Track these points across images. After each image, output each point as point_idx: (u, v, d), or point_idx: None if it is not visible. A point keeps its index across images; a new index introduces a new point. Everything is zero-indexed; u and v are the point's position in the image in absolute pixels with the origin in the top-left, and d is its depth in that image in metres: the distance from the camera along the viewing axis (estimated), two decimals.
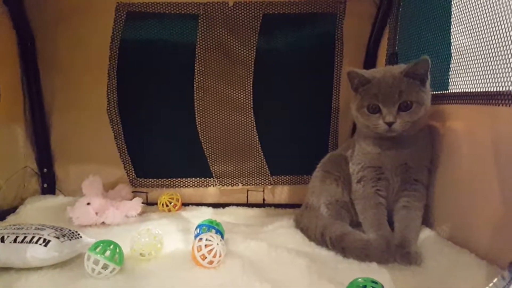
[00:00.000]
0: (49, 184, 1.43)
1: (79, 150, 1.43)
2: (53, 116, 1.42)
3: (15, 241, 0.85)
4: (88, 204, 1.20)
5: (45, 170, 1.42)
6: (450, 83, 1.03)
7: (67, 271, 0.86)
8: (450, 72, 1.02)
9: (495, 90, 0.84)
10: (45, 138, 1.42)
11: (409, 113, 0.93)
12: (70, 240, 0.90)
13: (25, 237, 0.86)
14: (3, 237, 0.86)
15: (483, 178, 0.83)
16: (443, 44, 1.04)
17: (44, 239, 0.85)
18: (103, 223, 1.20)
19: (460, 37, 0.99)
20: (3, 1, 1.25)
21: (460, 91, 0.99)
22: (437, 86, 1.06)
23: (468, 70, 0.96)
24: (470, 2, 0.92)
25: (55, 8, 1.34)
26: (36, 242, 0.85)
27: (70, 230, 0.93)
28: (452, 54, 1.01)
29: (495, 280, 0.58)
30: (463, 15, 0.96)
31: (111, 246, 0.84)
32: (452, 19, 1.01)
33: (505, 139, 0.78)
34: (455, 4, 1.00)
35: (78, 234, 0.93)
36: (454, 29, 1.01)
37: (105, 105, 1.40)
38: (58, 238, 0.87)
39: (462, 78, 0.97)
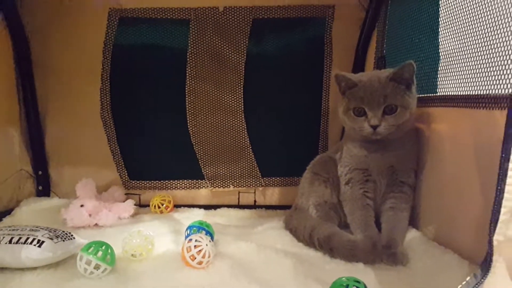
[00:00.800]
0: (44, 187, 1.45)
1: (73, 153, 1.45)
2: (48, 120, 1.44)
3: (10, 242, 0.87)
4: (82, 206, 1.21)
5: (40, 172, 1.44)
6: (438, 86, 1.03)
7: (60, 271, 0.88)
8: (438, 75, 1.03)
9: (476, 93, 0.85)
10: (40, 141, 1.43)
11: (394, 117, 0.95)
12: (63, 241, 0.91)
13: (19, 238, 0.87)
14: None
15: (466, 180, 0.85)
16: (431, 47, 1.05)
17: (38, 240, 0.87)
18: (96, 224, 1.21)
19: (448, 40, 0.98)
20: None
21: (444, 94, 1.00)
22: (425, 89, 1.07)
23: (453, 73, 0.97)
24: (458, 6, 0.92)
25: (48, 14, 1.36)
26: (31, 243, 0.86)
27: (63, 232, 0.94)
28: (441, 57, 1.02)
29: (468, 278, 0.61)
30: (451, 18, 0.96)
31: (103, 247, 0.85)
32: (440, 22, 1.01)
33: (485, 141, 0.80)
34: (443, 7, 1.00)
35: (72, 235, 0.94)
36: (442, 32, 1.01)
37: (98, 108, 1.41)
38: (52, 239, 0.89)
39: (449, 81, 0.98)
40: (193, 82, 1.41)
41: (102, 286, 0.82)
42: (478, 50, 0.87)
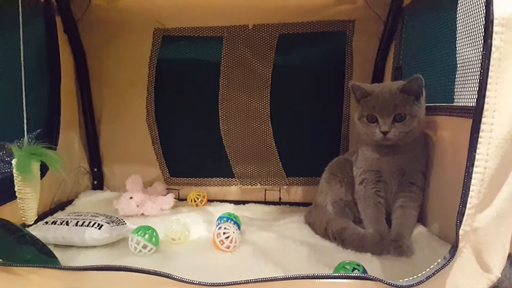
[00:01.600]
0: (98, 181, 1.56)
1: (123, 153, 1.54)
2: (102, 125, 1.55)
3: (76, 224, 1.00)
4: (131, 198, 1.30)
5: (95, 169, 1.55)
6: (455, 96, 1.02)
7: (115, 249, 0.99)
8: (455, 85, 1.02)
9: (471, 105, 0.88)
10: (95, 142, 1.55)
11: (403, 124, 0.99)
12: (117, 225, 1.03)
13: (83, 222, 1.00)
14: (67, 222, 1.01)
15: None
16: (446, 58, 1.05)
17: (98, 224, 0.99)
18: (142, 214, 1.29)
19: (465, 51, 0.96)
20: (63, 31, 1.39)
21: (445, 104, 1.04)
22: (441, 99, 1.08)
23: (461, 84, 0.98)
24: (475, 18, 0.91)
25: (103, 34, 1.47)
26: (92, 226, 0.99)
27: (117, 218, 1.07)
28: (458, 68, 1.01)
29: (439, 260, 0.71)
30: (468, 30, 0.95)
31: (149, 230, 0.96)
32: (457, 34, 1.01)
33: None
34: (460, 19, 0.99)
35: (124, 221, 1.06)
36: (459, 43, 1.00)
37: (145, 115, 1.51)
38: (109, 223, 1.01)
39: (465, 91, 0.97)
40: (225, 90, 1.47)
41: (148, 262, 0.92)
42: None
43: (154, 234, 0.97)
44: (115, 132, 1.55)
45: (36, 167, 0.93)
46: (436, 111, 1.07)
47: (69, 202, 1.43)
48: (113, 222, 1.03)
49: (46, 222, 1.04)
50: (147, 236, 0.96)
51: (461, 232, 0.70)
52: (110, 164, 1.57)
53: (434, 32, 1.13)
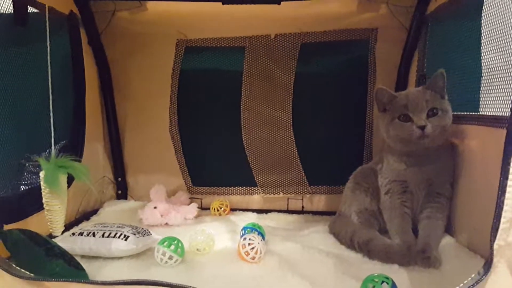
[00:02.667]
0: (122, 191, 1.58)
1: (146, 162, 1.56)
2: (126, 135, 1.57)
3: (103, 236, 1.00)
4: (155, 208, 1.31)
5: (119, 179, 1.57)
6: (480, 105, 1.02)
7: (141, 260, 0.99)
8: (480, 93, 1.02)
9: (500, 115, 0.87)
10: (120, 153, 1.57)
11: (437, 118, 0.98)
12: (143, 236, 1.03)
13: (110, 233, 1.01)
14: (94, 233, 1.02)
15: (493, 192, 0.83)
16: (471, 66, 1.05)
17: (125, 235, 1.00)
18: (166, 223, 1.30)
19: (491, 59, 0.96)
20: (87, 42, 1.42)
21: (475, 113, 1.02)
22: (466, 107, 1.07)
23: (487, 92, 0.97)
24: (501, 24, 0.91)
25: (126, 45, 1.49)
26: (119, 237, 0.99)
27: (143, 229, 1.07)
28: (483, 75, 1.01)
29: (473, 275, 0.70)
30: (494, 36, 0.94)
31: (175, 241, 0.96)
32: (482, 40, 1.01)
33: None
34: (485, 25, 0.99)
35: (149, 232, 1.06)
36: (484, 50, 1.00)
37: (168, 125, 1.52)
38: (134, 234, 1.01)
39: (488, 100, 0.97)
40: (247, 100, 1.48)
41: (174, 273, 0.92)
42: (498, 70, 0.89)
43: (180, 245, 0.98)
44: (139, 142, 1.56)
45: (63, 179, 0.94)
46: (463, 120, 1.05)
47: (94, 212, 1.44)
48: (138, 233, 1.04)
49: (73, 234, 1.05)
50: (172, 247, 0.96)
51: (495, 246, 0.68)
52: (134, 174, 1.59)
53: (459, 39, 1.12)
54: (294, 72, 1.45)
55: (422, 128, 0.98)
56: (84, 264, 0.92)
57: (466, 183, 1.02)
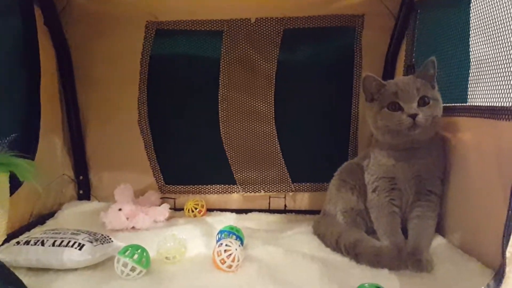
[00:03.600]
0: (84, 191, 1.49)
1: (112, 158, 1.48)
2: (88, 128, 1.48)
3: (53, 244, 0.91)
4: (120, 210, 1.23)
5: (81, 177, 1.48)
6: (469, 96, 1.02)
7: (99, 272, 0.91)
8: (468, 84, 1.02)
9: (500, 105, 0.85)
10: (81, 148, 1.47)
11: (429, 108, 0.96)
12: (102, 244, 0.94)
13: (62, 241, 0.91)
14: (43, 241, 0.91)
15: (490, 189, 0.85)
16: (461, 56, 1.04)
17: (79, 243, 0.91)
18: (133, 227, 1.22)
19: (479, 49, 0.97)
20: (44, 23, 1.31)
21: (470, 104, 1.00)
22: (454, 98, 1.06)
23: (480, 83, 0.96)
24: (490, 13, 0.91)
25: (89, 27, 1.40)
26: (72, 246, 0.90)
27: (102, 235, 0.98)
28: (471, 66, 1.01)
29: (483, 287, 0.63)
30: (482, 26, 0.95)
31: (139, 250, 0.88)
32: (470, 30, 1.00)
33: (506, 150, 0.80)
34: (474, 15, 0.99)
35: (110, 239, 0.98)
36: (473, 41, 1.00)
37: (136, 116, 1.44)
38: (91, 242, 0.92)
39: (479, 91, 0.97)
40: (225, 90, 1.42)
41: (137, 287, 0.85)
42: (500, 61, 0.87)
43: (144, 254, 0.89)
44: (103, 136, 1.48)
45: (4, 179, 0.80)
46: (455, 111, 1.03)
47: (51, 214, 1.34)
48: (96, 240, 0.94)
49: (18, 242, 0.94)
50: (136, 256, 0.87)
51: (507, 254, 0.63)
52: (98, 171, 1.50)
53: (449, 27, 1.10)
54: (276, 60, 1.41)
55: (413, 117, 0.94)
56: (31, 278, 0.85)
57: (459, 179, 1.00)
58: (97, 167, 1.50)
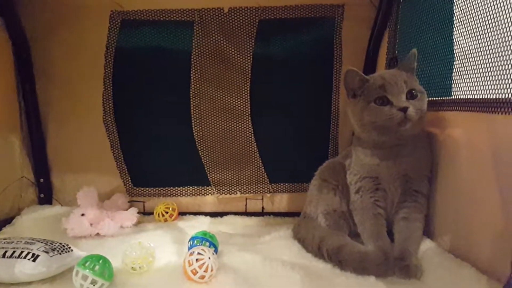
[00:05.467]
0: (45, 194, 1.43)
1: (76, 159, 1.44)
2: (49, 126, 1.42)
3: (3, 256, 0.85)
4: (83, 215, 1.19)
5: (41, 180, 1.43)
6: (453, 89, 1.00)
7: (56, 285, 0.86)
8: (453, 77, 1.00)
9: (493, 97, 0.82)
10: (42, 148, 1.42)
11: (418, 101, 0.93)
12: (60, 254, 0.89)
13: (14, 252, 0.86)
14: None
15: (484, 188, 0.81)
16: (445, 48, 1.03)
17: (33, 254, 0.85)
18: (98, 234, 1.19)
19: (463, 41, 0.95)
20: None
21: (459, 97, 0.97)
22: (439, 91, 1.04)
23: (469, 75, 0.94)
24: (473, 4, 0.90)
25: (49, 18, 1.35)
26: (25, 257, 0.85)
27: (60, 244, 0.93)
28: (455, 59, 0.99)
29: None
30: (466, 17, 0.94)
31: (100, 261, 0.83)
32: (454, 22, 0.99)
33: (503, 147, 0.77)
34: (457, 6, 0.98)
35: (69, 248, 0.92)
36: (456, 33, 0.98)
37: (101, 114, 1.40)
38: (47, 252, 0.87)
39: (465, 84, 0.95)
40: (197, 85, 1.39)
41: None
42: (496, 50, 0.84)
43: (107, 265, 0.84)
44: (66, 135, 1.43)
45: None
46: (442, 106, 1.00)
47: (9, 221, 1.29)
48: (53, 250, 0.89)
49: None
50: (97, 268, 0.82)
51: None
52: (60, 173, 1.45)
53: (437, 14, 1.08)
54: (251, 53, 1.38)
55: (404, 110, 0.91)
56: None
57: (448, 178, 0.97)
58: (59, 168, 1.45)
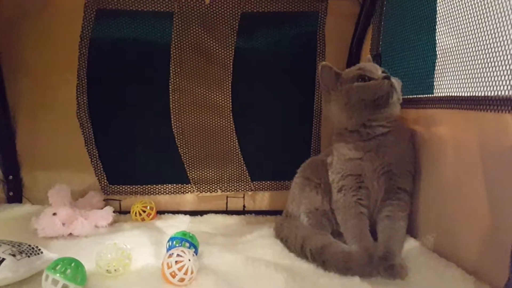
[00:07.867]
0: (15, 192, 1.40)
1: (48, 156, 1.39)
2: (19, 120, 1.39)
3: None
4: (54, 214, 1.15)
5: (10, 177, 1.39)
6: (435, 86, 1.02)
7: None
8: (435, 75, 1.02)
9: (481, 95, 0.82)
10: (11, 143, 1.39)
11: (395, 80, 0.99)
12: (28, 257, 0.84)
13: None
14: None
15: (470, 186, 0.82)
16: (427, 45, 1.04)
17: None
18: (70, 234, 1.15)
19: (446, 38, 0.97)
20: None
21: (445, 95, 0.97)
22: (422, 89, 1.05)
23: (453, 72, 0.95)
24: (456, 1, 0.91)
25: (17, 6, 1.31)
26: None
27: (29, 246, 0.88)
28: (438, 56, 1.01)
29: None
30: (448, 14, 0.95)
31: (72, 264, 0.79)
32: (437, 19, 1.00)
33: (492, 147, 0.77)
34: (440, 3, 0.99)
35: (39, 250, 0.87)
36: (439, 30, 1.00)
37: (75, 108, 1.36)
38: (14, 255, 0.81)
39: (448, 81, 0.96)
40: (177, 79, 1.37)
41: None
42: (484, 46, 0.84)
43: (79, 268, 0.80)
44: (37, 130, 1.39)
45: None
46: (428, 103, 1.01)
47: None
48: (21, 252, 0.83)
49: None
50: (68, 272, 0.78)
51: None
52: (31, 170, 1.41)
53: (420, 10, 1.09)
54: (233, 47, 1.37)
55: (388, 78, 0.98)
56: None
57: (432, 175, 0.98)
58: (30, 165, 1.41)
